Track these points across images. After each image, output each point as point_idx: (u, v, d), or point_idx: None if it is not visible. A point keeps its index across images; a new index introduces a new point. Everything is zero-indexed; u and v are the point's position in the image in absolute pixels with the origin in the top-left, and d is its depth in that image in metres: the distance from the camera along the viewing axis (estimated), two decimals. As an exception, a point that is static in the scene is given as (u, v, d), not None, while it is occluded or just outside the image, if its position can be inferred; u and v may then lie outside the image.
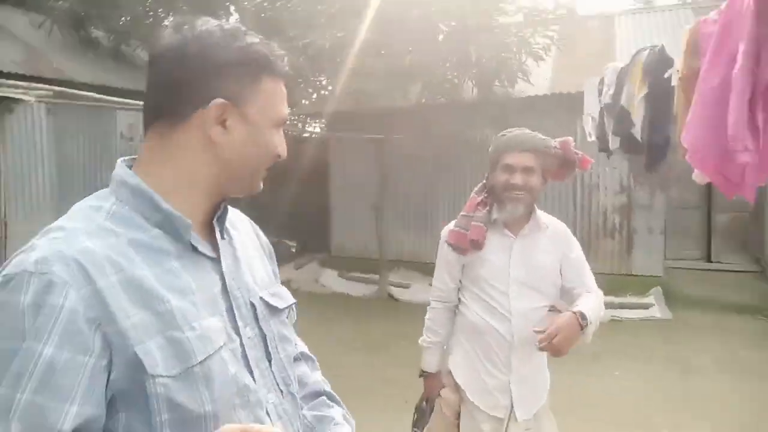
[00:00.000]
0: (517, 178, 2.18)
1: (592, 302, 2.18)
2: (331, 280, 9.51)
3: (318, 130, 11.40)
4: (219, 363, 0.90)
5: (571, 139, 2.27)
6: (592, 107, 4.97)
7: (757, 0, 2.05)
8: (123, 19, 9.66)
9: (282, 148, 1.02)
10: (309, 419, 1.15)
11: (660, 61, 3.40)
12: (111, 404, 0.83)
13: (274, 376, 1.02)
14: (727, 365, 5.55)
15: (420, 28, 6.76)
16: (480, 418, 2.27)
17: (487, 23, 7.11)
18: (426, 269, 9.19)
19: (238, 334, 0.96)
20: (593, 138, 4.84)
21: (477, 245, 2.25)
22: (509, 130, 2.31)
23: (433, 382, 2.45)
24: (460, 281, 2.36)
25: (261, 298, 1.04)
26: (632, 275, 8.21)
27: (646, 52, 3.55)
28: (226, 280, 0.98)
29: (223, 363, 0.90)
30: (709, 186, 9.19)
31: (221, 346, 0.91)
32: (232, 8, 9.69)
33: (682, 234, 9.22)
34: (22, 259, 0.82)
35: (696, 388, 4.97)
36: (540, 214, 2.34)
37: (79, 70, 8.91)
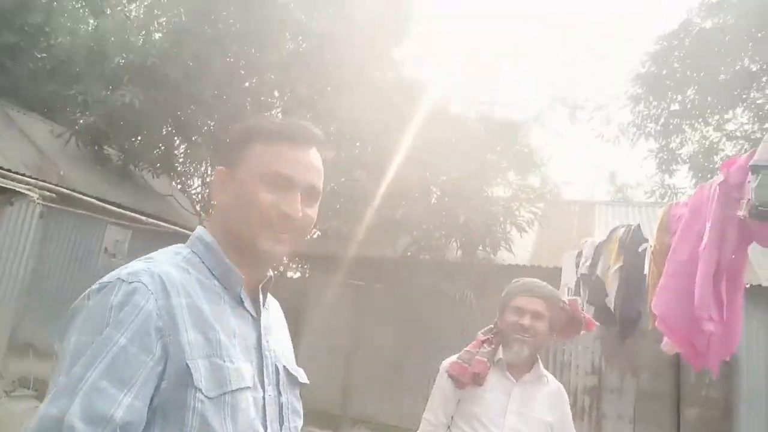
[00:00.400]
0: (527, 320, 2.21)
1: None
2: None
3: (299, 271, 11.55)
4: (245, 401, 1.00)
5: (579, 299, 2.40)
6: (568, 278, 5.23)
7: (721, 187, 2.37)
8: (136, 140, 10.19)
9: (287, 207, 1.06)
10: None
11: (634, 237, 3.72)
12: (149, 419, 0.91)
13: None
14: None
15: (415, 187, 7.25)
16: None
17: (478, 192, 7.65)
18: None
19: (262, 387, 1.07)
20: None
21: (478, 379, 2.21)
22: (521, 278, 2.39)
23: None
24: (452, 418, 2.27)
25: (284, 366, 1.15)
26: (600, 462, 7.96)
27: (622, 229, 3.89)
28: (261, 339, 1.11)
29: (248, 403, 1.01)
30: (678, 375, 9.29)
31: (250, 387, 1.02)
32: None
33: (651, 424, 9.08)
34: (116, 273, 0.98)
35: None
36: (542, 366, 2.34)
37: (84, 182, 9.25)
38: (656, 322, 2.80)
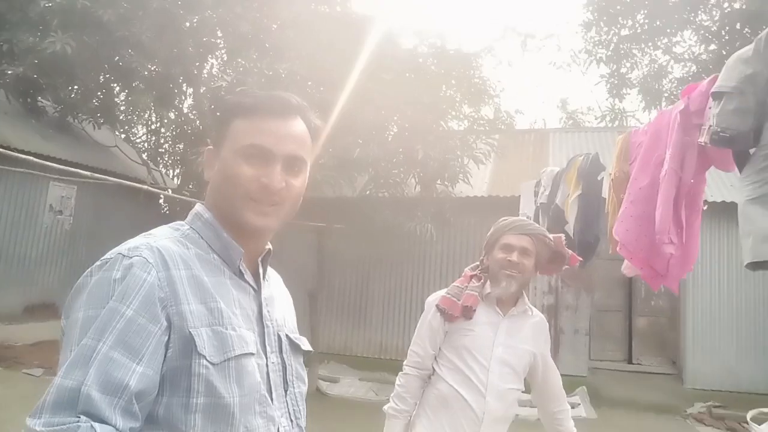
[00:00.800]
0: (515, 257, 2.27)
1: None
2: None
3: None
4: (249, 366, 1.03)
5: (563, 236, 2.46)
6: (527, 207, 5.37)
7: (682, 114, 2.43)
8: (73, 90, 9.64)
9: (267, 178, 1.07)
10: None
11: (593, 166, 3.81)
12: (158, 387, 0.94)
13: (287, 405, 1.13)
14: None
15: (371, 125, 7.16)
16: None
17: (434, 127, 7.62)
18: (357, 363, 9.13)
19: (265, 355, 1.10)
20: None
21: (468, 312, 2.28)
22: (508, 216, 2.44)
23: None
24: (439, 349, 2.35)
25: (287, 335, 1.19)
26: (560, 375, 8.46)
27: (581, 158, 3.98)
28: (263, 310, 1.13)
29: (253, 367, 1.03)
30: (629, 290, 9.84)
31: (253, 354, 1.05)
32: (189, 90, 9.89)
33: (605, 336, 9.66)
34: (117, 249, 1.01)
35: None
36: (527, 299, 2.43)
37: (18, 137, 8.76)
38: (618, 248, 2.92)
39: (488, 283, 2.35)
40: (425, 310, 2.42)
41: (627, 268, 3.06)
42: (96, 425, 0.84)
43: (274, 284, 1.25)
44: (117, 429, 0.86)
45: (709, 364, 8.40)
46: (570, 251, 2.44)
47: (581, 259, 2.51)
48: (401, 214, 7.68)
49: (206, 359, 0.97)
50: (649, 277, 2.90)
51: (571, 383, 8.35)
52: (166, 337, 0.95)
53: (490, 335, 2.31)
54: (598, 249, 4.16)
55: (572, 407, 7.91)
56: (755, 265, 2.09)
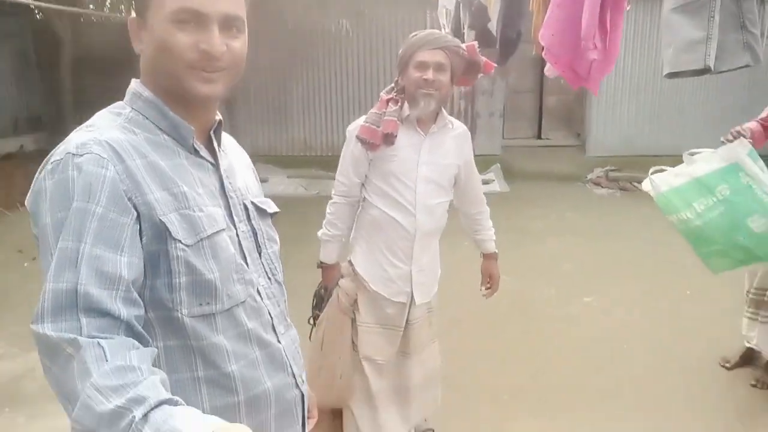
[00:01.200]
0: (430, 74, 2.21)
1: (492, 232, 2.68)
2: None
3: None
4: (222, 241, 1.07)
5: (476, 43, 2.39)
6: (447, 1, 5.18)
7: None
8: None
9: (206, 44, 1.00)
10: None
11: (518, -39, 3.65)
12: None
13: (263, 266, 1.20)
14: (556, 228, 6.53)
15: None
16: (384, 304, 2.45)
17: None
18: (284, 162, 9.28)
19: (234, 226, 1.13)
20: (448, 30, 5.09)
21: (390, 139, 2.27)
22: (419, 31, 2.34)
23: (331, 272, 2.54)
24: (365, 176, 2.40)
25: (252, 202, 1.20)
26: (476, 155, 9.00)
27: (504, -49, 3.78)
28: (224, 182, 1.13)
29: (225, 242, 1.08)
30: (541, 71, 10.11)
31: (223, 229, 1.08)
32: None
33: (518, 116, 10.18)
34: (63, 148, 0.97)
35: (532, 250, 5.82)
36: (446, 114, 2.43)
37: None
38: (542, 53, 2.97)
39: (406, 104, 2.31)
40: (347, 139, 2.40)
41: (549, 71, 3.16)
42: (102, 340, 0.84)
43: (230, 152, 1.23)
44: (122, 319, 0.88)
45: (610, 133, 9.19)
46: (484, 58, 2.40)
47: (496, 65, 2.51)
48: (313, 13, 7.23)
49: (182, 242, 0.99)
50: (570, 80, 3.02)
51: (485, 162, 8.99)
52: (138, 226, 0.96)
53: (413, 157, 2.33)
54: (520, 45, 4.21)
55: (487, 183, 8.67)
56: (673, 75, 2.23)
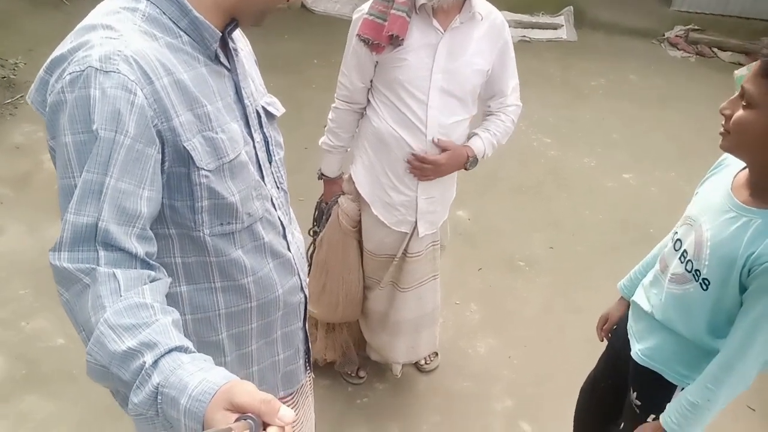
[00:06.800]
0: None
1: (492, 138, 2.09)
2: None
3: None
4: (242, 162, 1.06)
5: None
6: None
7: None
8: None
9: None
10: None
11: None
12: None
13: (273, 175, 1.19)
14: (615, 91, 6.09)
15: None
16: (383, 233, 2.16)
17: None
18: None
19: (251, 137, 1.11)
20: None
21: (396, 41, 1.83)
22: None
23: (332, 186, 2.26)
24: (371, 81, 1.99)
25: (263, 107, 1.16)
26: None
27: None
28: (240, 91, 1.09)
29: (245, 160, 1.07)
30: None
31: (243, 147, 1.06)
32: None
33: None
34: (83, 57, 0.88)
35: (581, 114, 5.50)
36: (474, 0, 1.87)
37: None
38: None
39: None
40: (351, 26, 1.95)
41: None
42: (117, 271, 0.86)
43: (240, 48, 1.15)
44: (137, 256, 0.89)
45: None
46: None
47: None
48: None
49: (205, 169, 0.99)
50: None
51: (557, 2, 8.22)
52: (161, 155, 0.94)
53: (426, 62, 1.87)
54: None
55: (555, 29, 8.05)
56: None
